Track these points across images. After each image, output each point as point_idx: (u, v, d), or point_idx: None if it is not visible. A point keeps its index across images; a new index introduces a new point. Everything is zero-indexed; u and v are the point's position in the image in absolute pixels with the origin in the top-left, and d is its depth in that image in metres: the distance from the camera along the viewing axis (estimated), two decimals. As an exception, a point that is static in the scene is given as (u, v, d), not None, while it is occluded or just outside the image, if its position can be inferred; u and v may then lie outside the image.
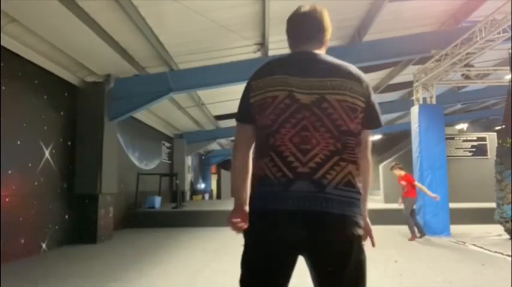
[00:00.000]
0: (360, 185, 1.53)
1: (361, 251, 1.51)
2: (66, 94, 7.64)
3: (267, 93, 1.54)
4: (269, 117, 1.54)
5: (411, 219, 7.79)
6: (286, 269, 1.56)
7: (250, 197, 1.59)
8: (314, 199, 1.44)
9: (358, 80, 1.56)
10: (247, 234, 1.55)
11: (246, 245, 1.55)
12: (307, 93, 1.52)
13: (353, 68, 1.61)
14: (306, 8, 1.74)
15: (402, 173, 7.93)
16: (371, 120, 1.61)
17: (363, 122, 1.56)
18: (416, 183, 7.79)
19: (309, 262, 1.56)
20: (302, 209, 1.44)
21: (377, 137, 23.52)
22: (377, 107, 1.63)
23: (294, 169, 1.47)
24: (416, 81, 9.04)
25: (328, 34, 1.76)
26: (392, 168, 8.17)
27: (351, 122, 1.52)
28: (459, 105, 16.84)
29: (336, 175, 1.47)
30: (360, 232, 1.49)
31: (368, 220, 1.68)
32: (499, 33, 6.49)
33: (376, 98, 1.64)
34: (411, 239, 7.60)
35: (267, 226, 1.48)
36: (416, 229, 7.68)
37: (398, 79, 11.83)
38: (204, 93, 11.32)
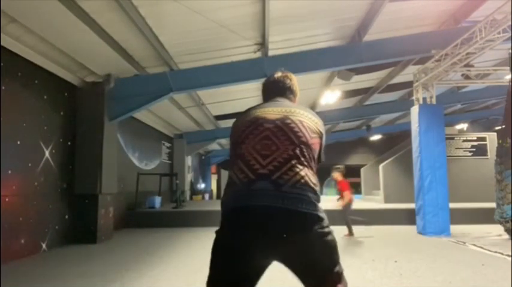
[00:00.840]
0: (317, 188, 1.70)
1: (324, 236, 1.62)
2: (66, 94, 7.64)
3: (238, 122, 1.90)
4: (236, 135, 1.84)
5: (349, 218, 8.17)
6: (252, 260, 1.63)
7: (221, 201, 1.75)
8: (272, 196, 1.59)
9: (316, 118, 1.89)
10: (216, 233, 1.71)
11: (213, 243, 1.70)
12: (272, 113, 1.82)
13: (311, 111, 1.94)
14: (278, 74, 2.13)
15: (339, 178, 8.25)
16: (319, 153, 1.87)
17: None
18: (346, 192, 8.18)
19: (274, 255, 1.65)
20: (262, 205, 1.58)
21: (377, 137, 23.54)
22: (323, 146, 1.91)
23: (255, 171, 1.66)
24: (416, 81, 9.03)
25: (297, 96, 2.12)
26: (333, 170, 8.29)
27: (310, 138, 1.77)
28: (459, 105, 16.85)
29: (293, 176, 1.63)
30: (318, 225, 1.61)
31: None
32: (499, 33, 6.49)
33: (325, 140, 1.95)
34: (347, 236, 7.97)
35: (232, 221, 1.63)
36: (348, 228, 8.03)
37: (398, 79, 11.83)
38: (204, 93, 11.32)
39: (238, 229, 1.61)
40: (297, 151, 1.69)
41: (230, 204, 1.68)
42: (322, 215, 1.66)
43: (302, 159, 1.69)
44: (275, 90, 2.07)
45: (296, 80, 2.15)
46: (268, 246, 1.59)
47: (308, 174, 1.67)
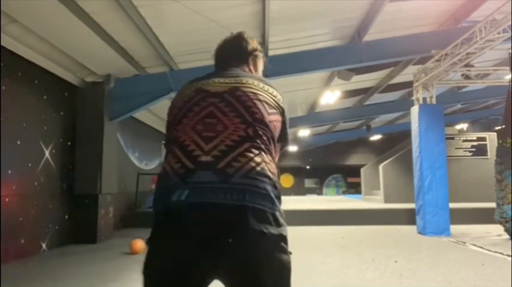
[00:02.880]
0: (276, 180, 1.33)
1: (278, 253, 1.24)
2: (66, 94, 7.64)
3: (175, 98, 1.54)
4: (172, 114, 1.47)
5: None
6: (190, 268, 1.24)
7: (153, 199, 1.35)
8: (217, 190, 1.22)
9: (276, 91, 1.52)
10: (146, 244, 1.31)
11: (144, 261, 1.31)
12: (218, 85, 1.45)
13: (269, 82, 1.57)
14: (231, 35, 1.77)
15: None
16: (281, 134, 1.50)
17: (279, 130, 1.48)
18: None
19: (213, 268, 1.24)
20: (202, 202, 1.21)
21: (377, 137, 23.54)
22: (287, 125, 1.54)
23: (194, 158, 1.28)
24: (416, 81, 9.04)
25: (257, 66, 1.76)
26: None
27: (267, 114, 1.39)
28: (459, 105, 16.85)
29: (246, 163, 1.26)
30: (274, 230, 1.22)
31: None
32: (499, 33, 6.49)
33: (288, 118, 1.57)
34: None
35: (164, 228, 1.26)
36: None
37: (398, 79, 11.83)
38: (204, 93, 11.29)
39: (170, 238, 1.23)
40: (251, 131, 1.33)
41: (161, 204, 1.29)
42: (281, 219, 1.28)
43: (258, 141, 1.32)
44: (227, 56, 1.67)
45: (258, 45, 1.75)
46: (210, 260, 1.20)
47: (265, 160, 1.30)
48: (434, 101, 8.83)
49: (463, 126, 19.75)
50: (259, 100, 1.41)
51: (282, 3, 6.54)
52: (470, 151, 12.67)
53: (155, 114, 12.93)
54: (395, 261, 5.49)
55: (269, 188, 1.27)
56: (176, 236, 1.22)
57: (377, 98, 14.16)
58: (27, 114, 6.43)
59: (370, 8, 7.19)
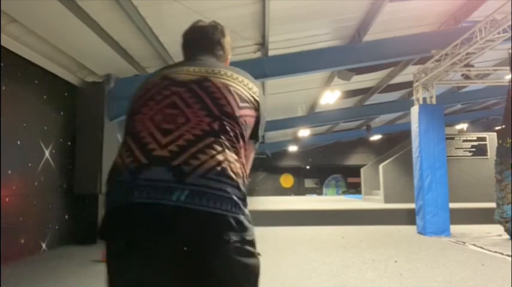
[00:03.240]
0: (242, 181, 1.19)
1: (242, 258, 1.14)
2: (66, 94, 7.64)
3: (138, 87, 1.39)
4: (132, 101, 1.34)
5: None
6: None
7: (105, 196, 1.23)
8: (170, 190, 1.09)
9: (252, 83, 1.39)
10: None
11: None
12: (187, 73, 1.32)
13: (245, 73, 1.43)
14: (203, 22, 1.63)
15: None
16: (253, 130, 1.36)
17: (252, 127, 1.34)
18: None
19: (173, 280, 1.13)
20: (152, 203, 1.09)
21: (377, 137, 23.55)
22: (262, 121, 1.40)
23: (149, 151, 1.15)
24: (416, 81, 9.03)
25: (228, 56, 1.70)
26: None
27: (237, 108, 1.26)
28: (459, 105, 16.85)
29: (205, 161, 1.13)
30: (237, 236, 1.12)
31: None
32: (499, 33, 6.49)
33: (266, 114, 1.44)
34: None
35: (111, 226, 1.17)
36: None
37: (398, 79, 11.83)
38: (204, 93, 11.29)
39: (118, 245, 1.13)
40: (216, 126, 1.20)
41: (108, 204, 1.18)
42: (247, 223, 1.17)
43: (223, 137, 1.19)
44: (196, 44, 1.54)
45: (229, 35, 1.67)
46: (161, 272, 1.10)
47: (229, 159, 1.17)
48: (434, 101, 8.83)
49: (463, 126, 19.75)
50: (230, 92, 1.27)
51: (282, 3, 6.54)
52: (470, 151, 12.67)
53: (155, 114, 12.93)
54: (395, 261, 5.49)
55: (230, 190, 1.13)
56: (124, 242, 1.12)
57: (377, 98, 14.16)
58: (27, 114, 6.43)
59: (370, 8, 7.19)
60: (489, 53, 8.02)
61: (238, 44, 7.94)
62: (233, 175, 1.16)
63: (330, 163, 30.14)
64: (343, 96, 12.60)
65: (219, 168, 1.13)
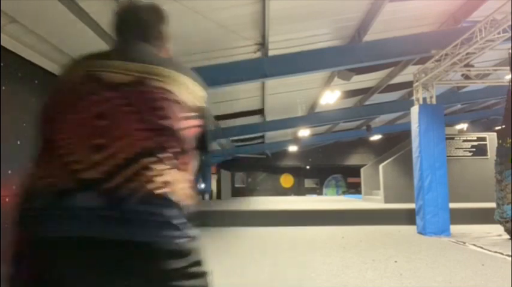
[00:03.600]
0: (185, 203, 1.06)
1: (188, 281, 1.02)
2: (66, 94, 7.64)
3: (56, 85, 1.18)
4: (47, 108, 1.16)
5: None
6: None
7: (17, 225, 1.04)
8: (104, 219, 0.92)
9: (195, 85, 1.20)
10: None
11: None
12: (117, 71, 1.08)
13: (189, 71, 1.23)
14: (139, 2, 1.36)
15: None
16: (199, 140, 1.19)
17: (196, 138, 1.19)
18: None
19: None
20: (83, 237, 0.91)
21: (377, 137, 23.55)
22: (209, 128, 1.26)
23: (74, 173, 0.95)
24: (416, 81, 9.03)
25: (168, 44, 1.34)
26: None
27: (178, 120, 1.07)
28: (459, 105, 16.86)
29: (145, 184, 0.96)
30: (178, 263, 0.99)
31: None
32: (499, 33, 6.49)
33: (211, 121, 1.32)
34: None
35: (23, 264, 0.96)
36: None
37: (398, 79, 11.83)
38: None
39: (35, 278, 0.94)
40: (156, 141, 1.02)
41: (23, 230, 1.00)
42: (189, 247, 1.03)
43: (163, 155, 1.02)
44: (130, 27, 1.28)
45: (168, 18, 1.33)
46: None
47: (172, 180, 1.02)
48: (434, 101, 8.83)
49: (463, 126, 19.76)
50: (171, 100, 1.07)
51: (282, 3, 6.54)
52: (470, 151, 12.67)
53: (155, 114, 12.94)
54: (395, 261, 5.49)
55: (174, 214, 0.99)
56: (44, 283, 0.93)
57: (377, 98, 14.16)
58: (27, 115, 6.43)
59: (370, 8, 7.19)
60: (489, 53, 8.02)
61: (238, 44, 7.95)
62: (176, 198, 1.01)
63: (330, 163, 30.15)
64: (343, 96, 12.60)
65: (160, 191, 0.98)
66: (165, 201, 0.99)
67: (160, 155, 1.02)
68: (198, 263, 1.06)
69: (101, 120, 1.01)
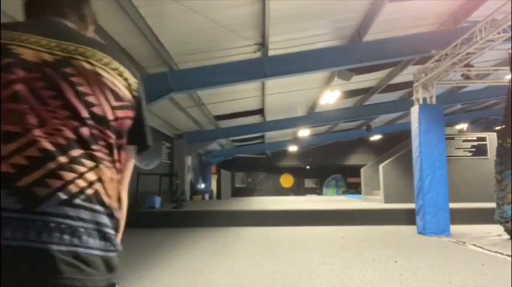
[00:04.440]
0: (115, 206, 0.92)
1: None
2: (66, 94, 7.64)
3: None
4: None
5: None
6: None
7: None
8: (17, 224, 0.77)
9: (128, 70, 1.02)
10: None
11: None
12: (36, 47, 0.91)
13: (118, 53, 1.05)
14: None
15: None
16: (135, 134, 1.03)
17: (129, 130, 1.01)
18: None
19: None
20: None
21: (377, 137, 23.56)
22: (146, 119, 1.07)
23: None
24: (416, 81, 9.03)
25: (93, 23, 1.15)
26: None
27: (110, 109, 0.93)
28: (459, 105, 16.87)
29: (72, 181, 0.83)
30: (101, 280, 0.84)
31: None
32: (499, 33, 6.49)
33: (146, 109, 1.08)
34: None
35: None
36: None
37: (398, 79, 11.84)
38: (204, 93, 11.32)
39: None
40: (85, 132, 0.88)
41: None
42: (115, 262, 0.88)
43: (94, 148, 0.89)
44: (45, 1, 1.05)
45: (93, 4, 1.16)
46: None
47: (103, 177, 0.89)
48: (434, 101, 8.83)
49: (463, 126, 19.77)
50: (102, 84, 0.93)
51: (282, 3, 6.54)
52: (470, 151, 12.66)
53: (155, 114, 12.94)
54: (395, 261, 5.50)
55: (102, 220, 0.86)
56: None
57: (377, 98, 14.17)
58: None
59: (370, 8, 7.20)
60: (489, 53, 8.02)
61: (238, 44, 7.95)
62: (106, 200, 0.88)
63: (330, 163, 30.17)
64: (343, 96, 12.61)
65: (90, 191, 0.84)
66: (93, 203, 0.85)
67: (91, 148, 0.89)
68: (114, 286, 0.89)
69: (15, 103, 0.84)
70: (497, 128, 13.04)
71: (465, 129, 19.42)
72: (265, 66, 8.18)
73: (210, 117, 14.54)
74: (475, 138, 12.89)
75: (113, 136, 0.94)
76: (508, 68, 8.25)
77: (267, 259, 5.73)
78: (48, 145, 0.83)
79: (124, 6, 5.70)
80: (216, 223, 9.98)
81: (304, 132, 18.91)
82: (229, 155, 27.24)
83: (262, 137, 21.16)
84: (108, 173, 0.91)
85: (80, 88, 0.90)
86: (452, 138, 12.59)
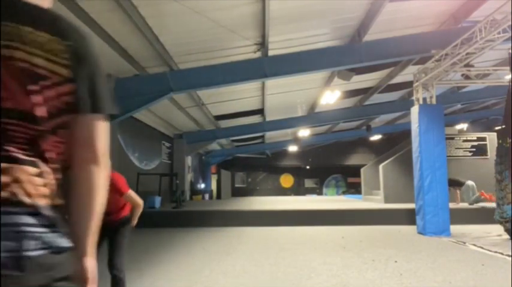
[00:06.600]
0: (44, 201, 0.87)
1: None
2: (66, 94, 7.64)
3: None
4: None
5: None
6: None
7: None
8: None
9: (55, 28, 0.94)
10: None
11: None
12: None
13: (53, 16, 0.99)
14: None
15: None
16: (89, 100, 0.96)
17: (75, 102, 0.93)
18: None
19: None
20: None
21: (377, 137, 23.57)
22: (101, 81, 0.98)
23: None
24: (416, 81, 9.03)
25: None
26: None
27: (23, 97, 0.86)
28: (459, 105, 16.86)
29: None
30: (35, 279, 0.81)
31: (84, 264, 0.97)
32: (499, 33, 6.49)
33: (101, 71, 0.99)
34: None
35: None
36: None
37: (398, 79, 11.84)
38: (204, 93, 11.32)
39: None
40: None
41: None
42: (54, 259, 0.85)
43: (7, 148, 0.85)
44: None
45: None
46: None
47: (21, 177, 0.85)
48: (434, 101, 8.83)
49: (463, 126, 19.77)
50: (14, 71, 0.85)
51: (282, 3, 6.54)
52: (470, 151, 12.66)
53: (155, 114, 12.95)
54: (395, 261, 5.49)
55: (23, 220, 0.83)
56: None
57: (377, 98, 14.17)
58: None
59: (370, 8, 7.20)
60: (489, 53, 8.02)
61: (238, 44, 7.96)
62: (27, 199, 0.84)
63: (330, 163, 30.16)
64: (343, 96, 12.61)
65: (4, 194, 0.81)
66: (11, 205, 0.82)
67: (3, 149, 0.84)
68: (62, 279, 0.86)
69: None
70: (497, 128, 13.03)
71: (465, 129, 19.42)
72: (265, 66, 8.19)
73: (210, 117, 14.54)
74: (475, 138, 12.89)
75: (33, 126, 0.87)
76: (508, 68, 8.24)
77: (267, 259, 5.73)
78: None
79: (124, 6, 5.70)
80: (216, 223, 9.98)
81: (304, 132, 18.91)
82: (229, 155, 27.24)
83: (262, 137, 21.17)
84: (27, 170, 0.85)
85: None
86: (452, 138, 12.59)
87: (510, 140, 7.42)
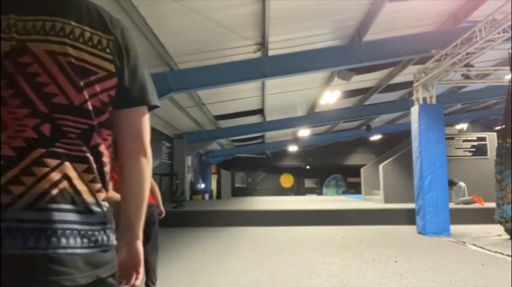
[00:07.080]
0: (92, 200, 0.88)
1: None
2: (66, 94, 7.64)
3: None
4: None
5: None
6: None
7: None
8: None
9: (98, 22, 0.98)
10: None
11: None
12: (8, 31, 0.85)
13: (95, 9, 1.01)
14: None
15: None
16: (135, 93, 0.98)
17: (118, 96, 0.94)
18: None
19: None
20: None
21: (377, 137, 23.57)
22: (144, 73, 1.02)
23: None
24: (416, 81, 9.03)
25: None
26: None
27: (76, 93, 0.86)
28: (459, 105, 16.87)
29: (34, 185, 0.81)
30: (84, 278, 0.82)
31: (138, 246, 1.00)
32: (499, 33, 6.49)
33: (143, 62, 1.04)
34: None
35: None
36: None
37: (398, 79, 11.84)
38: (204, 93, 11.32)
39: None
40: (46, 129, 0.84)
41: None
42: (103, 257, 0.87)
43: (58, 144, 0.84)
44: None
45: None
46: None
47: (71, 174, 0.85)
48: (434, 101, 8.83)
49: (463, 126, 19.78)
50: (61, 67, 0.85)
51: (282, 3, 6.54)
52: (470, 151, 12.66)
53: (155, 114, 12.94)
54: (395, 261, 5.49)
55: (72, 218, 0.83)
56: None
57: (377, 98, 14.17)
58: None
59: (370, 8, 7.20)
60: (489, 53, 8.02)
61: (238, 44, 7.96)
62: (77, 197, 0.84)
63: (330, 163, 30.16)
64: (343, 96, 12.61)
65: (54, 191, 0.81)
66: (62, 202, 0.82)
67: (55, 145, 0.84)
68: (111, 277, 0.89)
69: None
70: (497, 128, 13.03)
71: (465, 129, 19.43)
72: (265, 66, 8.19)
73: (210, 117, 14.54)
74: (475, 138, 12.89)
75: (86, 121, 0.88)
76: (508, 68, 8.24)
77: (267, 259, 5.73)
78: (8, 151, 0.81)
79: (124, 6, 5.70)
80: (216, 223, 9.97)
81: (304, 132, 18.91)
82: (229, 155, 27.23)
83: (262, 137, 21.17)
84: (77, 167, 0.86)
85: (37, 79, 0.84)
86: (452, 138, 12.59)
87: (510, 140, 7.42)
